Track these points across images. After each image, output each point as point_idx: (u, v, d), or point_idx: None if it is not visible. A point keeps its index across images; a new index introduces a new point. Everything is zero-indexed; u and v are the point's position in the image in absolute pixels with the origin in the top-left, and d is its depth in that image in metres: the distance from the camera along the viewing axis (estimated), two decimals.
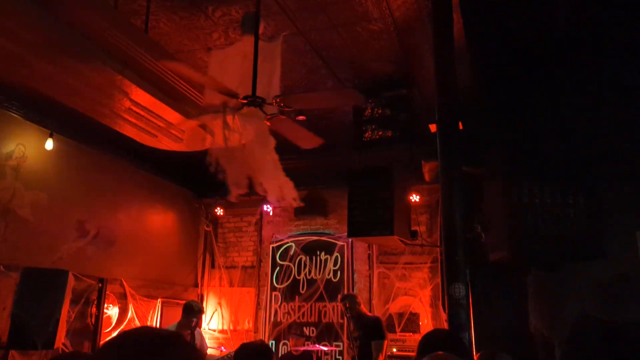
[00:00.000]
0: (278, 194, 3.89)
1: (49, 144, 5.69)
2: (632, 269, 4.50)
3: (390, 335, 6.57)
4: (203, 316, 8.06)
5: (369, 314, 6.06)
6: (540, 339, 4.29)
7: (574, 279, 4.34)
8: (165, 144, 4.48)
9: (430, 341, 2.33)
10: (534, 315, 4.32)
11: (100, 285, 6.23)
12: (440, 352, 1.62)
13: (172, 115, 3.98)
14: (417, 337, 6.59)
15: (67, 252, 5.96)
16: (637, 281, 4.13)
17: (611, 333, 4.09)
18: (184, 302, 7.81)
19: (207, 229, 8.47)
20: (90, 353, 2.00)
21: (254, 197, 8.18)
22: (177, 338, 1.02)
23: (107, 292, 6.33)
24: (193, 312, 5.54)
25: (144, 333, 1.03)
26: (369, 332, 5.32)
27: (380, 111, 5.72)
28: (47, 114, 5.64)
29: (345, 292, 7.15)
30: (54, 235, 5.84)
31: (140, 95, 3.66)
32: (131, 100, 3.66)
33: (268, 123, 3.62)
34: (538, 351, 4.26)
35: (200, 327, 7.64)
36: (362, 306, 5.67)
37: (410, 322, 6.81)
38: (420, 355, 2.24)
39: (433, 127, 4.38)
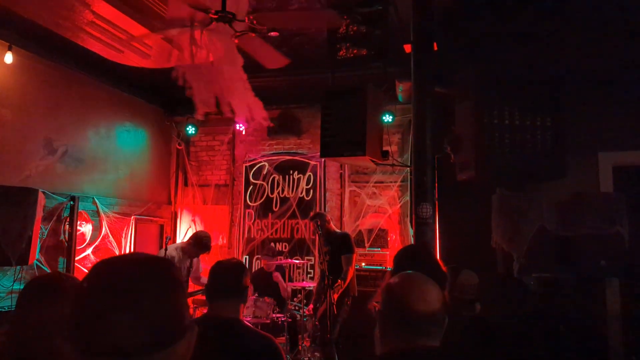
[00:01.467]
0: (247, 114, 3.85)
1: (8, 58, 5.41)
2: (591, 188, 4.72)
3: (359, 250, 6.83)
4: (178, 232, 8.23)
5: (338, 230, 6.26)
6: (501, 254, 4.53)
7: (536, 197, 4.52)
8: (132, 59, 4.33)
9: (403, 256, 2.45)
10: (496, 231, 4.53)
11: (71, 202, 6.22)
12: (410, 271, 1.71)
13: (137, 29, 3.81)
14: (386, 251, 6.88)
15: (35, 170, 5.87)
16: (592, 199, 4.33)
17: (565, 246, 4.35)
18: (157, 219, 7.98)
19: (178, 147, 8.40)
20: (67, 275, 2.01)
21: (226, 116, 8.14)
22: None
23: (79, 210, 6.34)
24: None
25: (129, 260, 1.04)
26: (338, 247, 5.55)
27: (355, 28, 5.56)
28: (4, 25, 5.32)
29: (317, 210, 7.32)
30: (20, 153, 5.72)
31: (103, 8, 3.47)
32: (93, 12, 3.47)
33: (236, 40, 3.50)
34: (498, 265, 4.51)
35: (174, 242, 7.80)
36: (331, 224, 5.87)
37: (379, 237, 7.07)
38: (395, 269, 2.37)
39: (408, 48, 4.32)
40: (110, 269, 1.00)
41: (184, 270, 5.63)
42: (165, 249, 5.47)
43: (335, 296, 5.19)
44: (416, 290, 1.58)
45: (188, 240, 5.79)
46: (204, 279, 5.72)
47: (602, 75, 5.00)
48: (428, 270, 1.91)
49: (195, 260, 5.72)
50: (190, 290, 5.83)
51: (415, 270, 1.76)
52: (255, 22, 3.39)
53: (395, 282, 1.65)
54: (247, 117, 3.93)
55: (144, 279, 0.97)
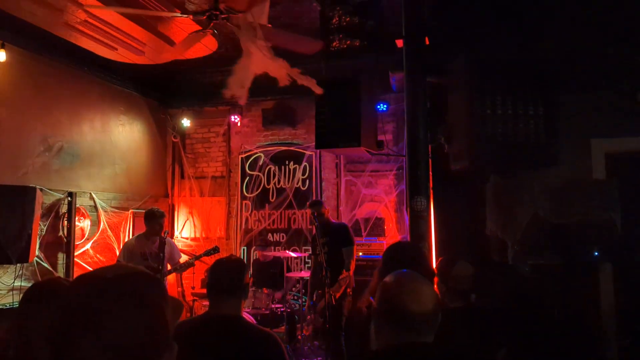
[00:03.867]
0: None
1: (2, 55, 5.40)
2: (583, 175, 4.77)
3: (356, 240, 6.90)
4: (175, 224, 8.28)
5: (335, 220, 6.29)
6: (495, 242, 4.60)
7: (530, 185, 4.58)
8: (126, 56, 4.34)
9: (394, 253, 2.51)
10: (490, 219, 4.59)
11: (69, 198, 6.25)
12: (405, 270, 1.76)
13: (131, 28, 3.81)
14: (382, 240, 6.94)
15: (32, 167, 5.89)
16: (586, 186, 4.39)
17: (558, 232, 4.42)
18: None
19: (174, 140, 8.42)
20: (67, 279, 2.05)
21: (221, 107, 8.16)
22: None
23: (77, 206, 6.37)
24: (155, 218, 5.69)
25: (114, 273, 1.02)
26: (338, 238, 5.41)
27: (348, 19, 5.57)
28: None
29: (313, 199, 7.35)
30: (16, 151, 5.73)
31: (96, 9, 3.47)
32: (86, 11, 3.47)
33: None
34: (492, 252, 4.57)
35: (172, 236, 7.85)
36: (328, 213, 5.85)
37: (376, 226, 7.13)
38: (385, 265, 2.43)
39: (400, 43, 4.33)
40: (84, 286, 1.00)
41: (151, 256, 5.61)
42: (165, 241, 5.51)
43: (342, 290, 5.15)
44: (410, 290, 1.64)
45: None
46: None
47: (594, 61, 5.03)
48: (417, 268, 1.97)
49: (167, 242, 5.61)
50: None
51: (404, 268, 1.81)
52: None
53: (390, 281, 1.71)
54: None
55: (111, 299, 0.95)
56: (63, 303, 0.98)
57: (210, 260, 5.40)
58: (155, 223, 5.71)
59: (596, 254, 4.30)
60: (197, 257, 5.79)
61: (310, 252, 6.91)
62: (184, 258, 6.26)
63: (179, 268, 5.81)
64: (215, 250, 5.80)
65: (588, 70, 5.02)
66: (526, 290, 4.34)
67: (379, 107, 6.37)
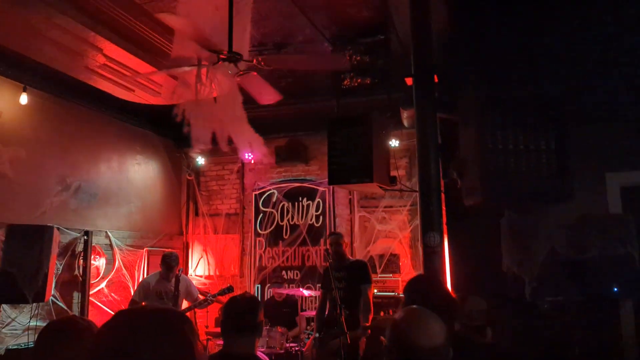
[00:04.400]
0: (248, 149, 3.96)
1: (24, 99, 5.58)
2: (599, 210, 4.72)
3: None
4: (190, 262, 8.29)
5: (351, 257, 6.22)
6: (512, 278, 4.53)
7: (545, 220, 4.53)
8: (143, 97, 4.46)
9: (413, 288, 2.49)
10: (506, 255, 4.53)
11: (85, 237, 6.32)
12: (414, 306, 1.75)
13: (147, 69, 3.93)
14: (398, 277, 6.87)
15: (50, 206, 5.99)
16: (602, 221, 4.34)
17: (577, 268, 4.34)
18: (169, 250, 8.03)
19: (189, 177, 8.52)
20: (83, 318, 2.06)
21: (223, 150, 8.26)
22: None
23: (92, 244, 6.43)
24: (163, 265, 5.76)
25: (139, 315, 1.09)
26: (357, 275, 5.21)
27: (358, 58, 5.70)
28: (19, 68, 5.49)
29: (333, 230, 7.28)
30: (35, 191, 5.85)
31: (115, 51, 3.60)
32: (105, 56, 3.60)
33: (238, 79, 3.59)
34: (509, 289, 4.50)
35: (186, 274, 7.85)
36: (347, 247, 5.65)
37: (391, 263, 7.07)
38: (407, 301, 2.41)
39: (409, 81, 4.40)
40: (122, 323, 1.06)
41: (167, 294, 5.66)
42: (179, 279, 5.55)
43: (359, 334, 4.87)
44: (419, 325, 1.64)
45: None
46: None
47: (606, 94, 5.04)
48: (439, 301, 1.96)
49: (182, 279, 5.66)
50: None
51: (426, 302, 1.81)
52: (262, 63, 3.49)
53: (399, 318, 1.71)
54: (248, 152, 4.05)
55: (148, 336, 1.02)
56: (101, 340, 1.03)
57: (224, 298, 5.41)
58: (164, 268, 5.77)
59: (616, 289, 4.21)
60: (213, 296, 5.78)
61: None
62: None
63: (197, 305, 5.82)
64: (230, 289, 5.79)
65: (599, 103, 5.03)
66: (545, 328, 4.24)
67: (391, 143, 6.41)
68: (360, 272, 5.25)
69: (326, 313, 5.38)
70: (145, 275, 7.22)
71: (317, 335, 5.40)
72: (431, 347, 1.60)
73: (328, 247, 5.36)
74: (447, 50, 4.91)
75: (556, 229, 4.39)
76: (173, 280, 5.58)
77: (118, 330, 1.03)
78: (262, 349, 5.53)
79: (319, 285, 6.84)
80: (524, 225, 4.49)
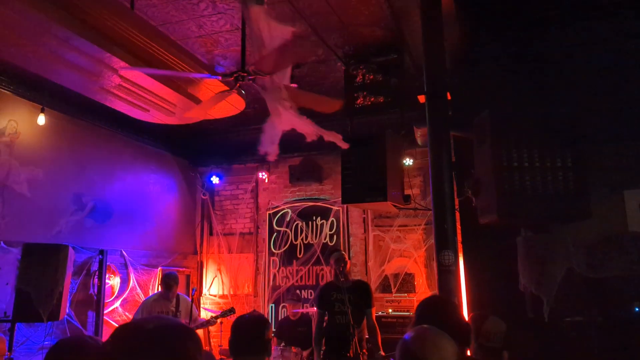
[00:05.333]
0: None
1: (41, 119, 5.69)
2: (618, 228, 4.62)
3: (386, 296, 6.76)
4: (204, 281, 8.28)
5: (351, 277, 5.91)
6: (530, 298, 4.43)
7: (563, 239, 4.45)
8: (158, 117, 4.50)
9: (425, 310, 2.44)
10: (523, 275, 4.45)
11: (100, 256, 6.35)
12: (425, 325, 1.72)
13: (163, 90, 3.99)
14: (413, 297, 6.78)
15: (65, 225, 6.05)
16: (620, 240, 4.25)
17: (596, 288, 4.24)
18: (183, 269, 8.06)
19: (203, 197, 8.56)
20: (92, 337, 2.06)
21: (249, 164, 8.31)
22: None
23: (107, 263, 6.46)
24: (162, 285, 5.72)
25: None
26: (364, 297, 4.99)
27: (371, 77, 5.72)
28: (37, 89, 5.63)
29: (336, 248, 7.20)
30: (51, 210, 5.91)
31: (130, 72, 3.66)
32: (121, 76, 3.66)
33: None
34: (526, 309, 4.41)
35: (200, 293, 7.84)
36: (348, 267, 5.37)
37: (406, 282, 6.99)
38: (418, 321, 2.36)
39: (422, 98, 4.39)
40: (126, 338, 1.05)
41: (168, 314, 5.58)
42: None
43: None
44: (430, 345, 1.60)
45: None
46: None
47: (622, 111, 4.98)
48: (450, 324, 1.91)
49: (182, 304, 5.61)
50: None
51: (437, 324, 1.76)
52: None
53: (410, 337, 1.67)
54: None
55: (153, 352, 1.02)
56: (106, 355, 1.02)
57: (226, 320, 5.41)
58: (163, 288, 5.75)
59: (637, 309, 4.09)
60: (215, 318, 5.73)
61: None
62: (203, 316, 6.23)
63: (197, 327, 5.76)
64: (232, 311, 5.75)
65: (616, 119, 4.97)
66: (564, 349, 4.13)
67: (404, 161, 6.39)
68: (366, 294, 5.01)
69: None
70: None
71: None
72: None
73: (332, 264, 5.04)
74: (458, 70, 4.90)
75: (575, 248, 4.30)
76: (174, 300, 5.57)
77: (119, 352, 1.01)
78: None
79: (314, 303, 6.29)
80: (541, 244, 4.41)
